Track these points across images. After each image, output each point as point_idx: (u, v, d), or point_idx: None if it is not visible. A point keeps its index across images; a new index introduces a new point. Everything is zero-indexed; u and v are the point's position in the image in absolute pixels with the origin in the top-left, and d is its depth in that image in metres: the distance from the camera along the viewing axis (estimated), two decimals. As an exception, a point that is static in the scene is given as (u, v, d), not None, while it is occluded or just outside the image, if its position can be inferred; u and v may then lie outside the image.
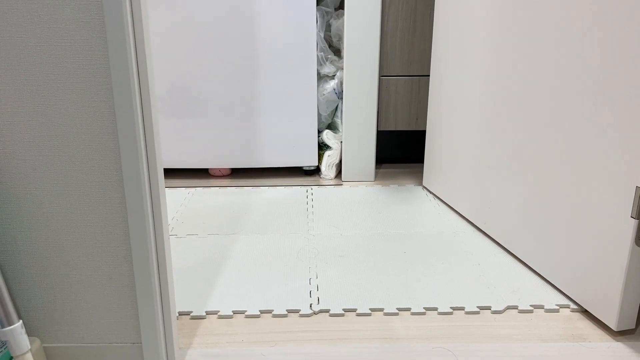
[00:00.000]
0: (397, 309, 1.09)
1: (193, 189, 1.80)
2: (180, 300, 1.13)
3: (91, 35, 0.74)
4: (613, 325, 1.00)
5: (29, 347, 0.80)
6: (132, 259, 0.84)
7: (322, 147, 1.91)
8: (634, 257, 0.95)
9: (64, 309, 0.87)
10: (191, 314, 1.08)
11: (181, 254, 1.34)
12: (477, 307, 1.10)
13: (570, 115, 1.07)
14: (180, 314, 1.08)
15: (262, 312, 1.09)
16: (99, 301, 0.86)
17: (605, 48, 0.97)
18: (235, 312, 1.09)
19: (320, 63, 1.82)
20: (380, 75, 1.80)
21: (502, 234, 1.37)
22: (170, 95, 1.79)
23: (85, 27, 0.74)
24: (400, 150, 2.07)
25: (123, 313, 0.87)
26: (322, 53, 1.83)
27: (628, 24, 0.92)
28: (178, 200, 1.70)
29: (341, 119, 1.84)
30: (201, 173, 1.93)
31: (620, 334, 1.01)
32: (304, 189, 1.80)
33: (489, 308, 1.10)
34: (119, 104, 0.77)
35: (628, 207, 0.94)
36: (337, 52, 1.89)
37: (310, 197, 1.73)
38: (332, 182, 1.86)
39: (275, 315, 1.08)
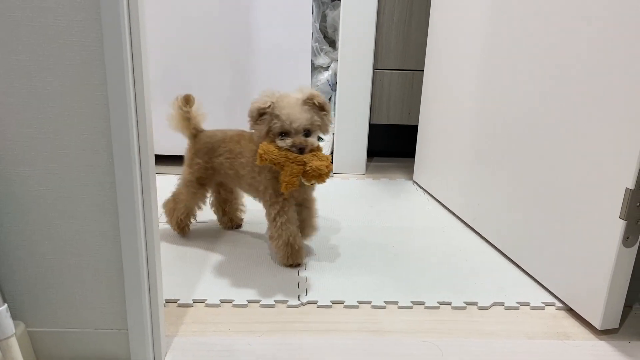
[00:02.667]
0: (384, 302, 1.10)
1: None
2: (167, 287, 1.12)
3: (86, 17, 0.73)
4: (597, 324, 1.01)
5: (14, 331, 0.79)
6: (120, 244, 0.83)
7: (314, 138, 1.90)
8: (621, 257, 0.96)
9: (49, 293, 0.86)
10: (178, 302, 1.08)
11: (170, 242, 1.33)
12: (464, 302, 1.11)
13: (561, 116, 1.07)
14: (167, 301, 1.07)
15: (249, 302, 1.08)
16: (86, 286, 0.85)
17: (597, 52, 0.97)
18: (222, 301, 1.08)
19: (314, 54, 1.81)
20: (375, 68, 1.79)
21: (490, 231, 1.37)
22: (164, 80, 1.77)
23: (79, 8, 0.72)
24: (392, 144, 2.07)
25: (110, 299, 0.86)
26: (317, 44, 1.83)
27: (620, 30, 0.92)
28: (168, 187, 1.69)
29: (334, 111, 1.84)
30: (191, 160, 1.92)
31: (604, 333, 1.02)
32: (294, 179, 1.79)
33: (475, 304, 1.10)
34: (112, 88, 0.76)
35: (617, 208, 0.95)
36: (332, 43, 1.88)
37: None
38: (322, 174, 1.86)
39: (262, 306, 1.08)
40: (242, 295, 1.10)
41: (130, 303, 0.85)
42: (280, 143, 1.08)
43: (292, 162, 1.07)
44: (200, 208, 1.34)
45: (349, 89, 1.78)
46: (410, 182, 1.82)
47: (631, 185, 0.92)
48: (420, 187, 1.77)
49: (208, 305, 1.07)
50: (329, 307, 1.08)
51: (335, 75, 1.81)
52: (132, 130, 0.78)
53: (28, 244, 0.83)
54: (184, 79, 1.77)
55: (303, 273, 1.20)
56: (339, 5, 1.76)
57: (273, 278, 1.17)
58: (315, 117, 1.10)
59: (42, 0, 0.72)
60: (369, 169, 1.94)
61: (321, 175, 1.07)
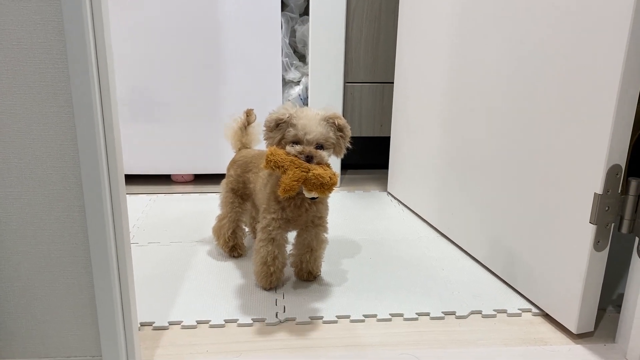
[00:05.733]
0: (363, 315, 1.09)
1: (155, 196, 1.76)
2: (142, 310, 1.09)
3: (49, 37, 0.71)
4: (573, 328, 1.03)
5: (-19, 363, 0.76)
6: (91, 269, 0.81)
7: (287, 153, 1.90)
8: (593, 261, 0.98)
9: (19, 322, 0.83)
10: (153, 325, 1.05)
11: (143, 263, 1.30)
12: (442, 312, 1.11)
13: (531, 124, 1.09)
14: (142, 324, 1.05)
15: (226, 321, 1.07)
16: (57, 313, 0.83)
17: (566, 61, 0.99)
18: (199, 322, 1.06)
19: (285, 69, 1.82)
20: (345, 82, 1.80)
21: (465, 240, 1.39)
22: (132, 99, 1.75)
23: (43, 29, 0.71)
24: (365, 156, 2.08)
25: (82, 325, 0.84)
26: (287, 59, 1.83)
27: (590, 40, 0.94)
28: (139, 207, 1.66)
29: (306, 125, 1.84)
30: (163, 179, 1.90)
31: (579, 337, 1.03)
32: (268, 195, 1.78)
33: (453, 313, 1.11)
34: (79, 110, 0.74)
35: (587, 214, 0.97)
36: (302, 57, 1.89)
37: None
38: (297, 188, 1.85)
39: (240, 325, 1.06)
40: (219, 315, 1.09)
41: (104, 329, 0.83)
42: (289, 149, 1.05)
43: (297, 167, 1.02)
44: (245, 223, 1.35)
45: (321, 103, 1.79)
46: (385, 193, 1.83)
47: (599, 190, 0.94)
48: (394, 198, 1.77)
49: (184, 327, 1.05)
50: (308, 323, 1.07)
51: (306, 89, 1.82)
52: (100, 150, 0.76)
53: (-6, 272, 0.80)
54: (152, 96, 1.75)
55: (280, 290, 1.19)
56: (307, 21, 1.77)
57: (250, 296, 1.16)
58: (331, 135, 1.07)
59: (4, 23, 0.70)
60: (343, 182, 1.94)
61: (323, 185, 1.01)
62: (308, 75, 1.78)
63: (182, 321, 1.06)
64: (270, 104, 1.77)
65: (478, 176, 1.30)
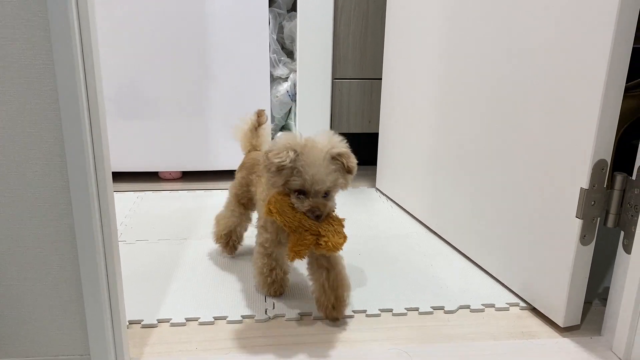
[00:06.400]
0: (352, 311, 1.10)
1: (142, 193, 1.75)
2: (130, 308, 1.08)
3: (35, 34, 0.70)
4: (560, 321, 1.04)
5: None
6: (79, 267, 0.80)
7: (276, 149, 1.90)
8: (579, 255, 0.99)
9: (5, 322, 0.82)
10: (142, 323, 1.05)
11: (131, 261, 1.29)
12: (431, 307, 1.12)
13: (517, 119, 1.10)
14: (131, 322, 1.04)
15: (216, 318, 1.06)
16: (44, 312, 0.82)
17: (554, 58, 1.00)
18: (188, 320, 1.06)
19: (273, 65, 1.81)
20: (334, 78, 1.80)
21: (453, 236, 1.39)
22: (119, 96, 1.73)
23: (28, 25, 0.70)
24: (354, 152, 2.07)
25: (70, 324, 0.83)
26: (274, 55, 1.83)
27: (576, 36, 0.95)
28: (127, 204, 1.65)
29: (295, 122, 1.84)
30: (151, 176, 1.89)
31: (566, 330, 1.04)
32: (257, 192, 1.78)
33: (442, 308, 1.11)
34: (65, 106, 0.73)
35: (573, 208, 0.98)
36: (290, 54, 1.89)
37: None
38: (285, 185, 1.85)
39: (229, 322, 1.06)
40: (208, 312, 1.08)
41: (92, 327, 0.83)
42: (296, 203, 0.94)
43: (306, 230, 0.93)
44: (244, 229, 1.30)
45: (309, 100, 1.79)
46: (373, 189, 1.83)
47: (585, 185, 0.95)
48: (383, 194, 1.78)
49: (173, 325, 1.05)
50: (298, 319, 1.07)
51: (294, 86, 1.82)
52: (87, 147, 0.76)
53: (-20, 271, 0.79)
54: (139, 93, 1.74)
55: (269, 286, 1.19)
56: (295, 17, 1.77)
57: (239, 293, 1.16)
58: (340, 180, 0.96)
59: (-13, 18, 0.69)
60: (332, 178, 1.94)
61: (336, 250, 0.94)
62: (296, 71, 1.78)
63: (171, 319, 1.06)
64: (258, 100, 1.77)
65: (467, 172, 1.31)
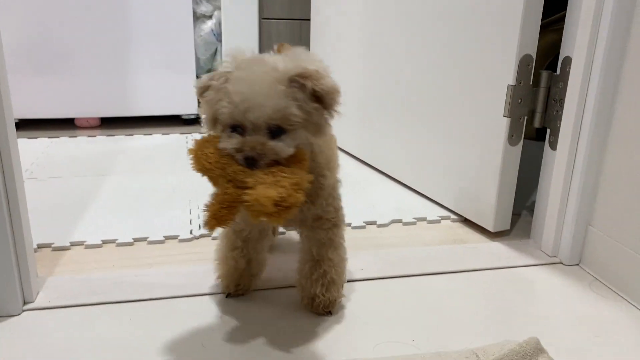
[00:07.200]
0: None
1: (57, 139, 1.63)
2: (39, 234, 0.99)
3: None
4: (490, 226, 1.04)
5: None
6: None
7: (202, 94, 1.81)
8: (507, 156, 0.99)
9: None
10: (53, 246, 0.96)
11: (43, 195, 1.19)
12: (363, 222, 1.09)
13: (445, 24, 1.09)
14: (40, 246, 0.95)
15: (135, 239, 0.99)
16: None
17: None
18: (104, 242, 0.98)
19: (195, 1, 1.72)
20: (261, 18, 1.74)
21: (387, 165, 1.38)
22: (30, 48, 1.59)
23: None
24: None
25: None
26: (197, -9, 1.74)
27: None
28: (39, 148, 1.53)
29: (221, 62, 1.76)
30: (67, 124, 1.76)
31: (496, 235, 1.04)
32: (183, 136, 1.70)
33: (374, 223, 1.09)
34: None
35: (500, 108, 0.97)
36: (214, -9, 1.80)
37: (190, 144, 1.63)
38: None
39: (150, 242, 0.99)
40: (127, 234, 1.00)
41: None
42: (223, 142, 0.64)
43: (229, 181, 0.62)
44: None
45: (236, 40, 1.72)
46: (305, 132, 1.79)
47: (512, 81, 0.94)
48: (314, 135, 1.74)
49: (88, 247, 0.96)
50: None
51: (219, 24, 1.74)
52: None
53: None
54: (53, 42, 1.60)
55: (195, 211, 1.12)
56: (218, -49, 1.69)
57: (161, 218, 1.08)
58: (294, 110, 0.62)
59: None
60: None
61: (267, 213, 0.59)
62: (221, 9, 1.70)
63: (85, 241, 0.97)
64: (180, 40, 1.68)
65: (399, 100, 1.29)
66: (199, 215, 1.10)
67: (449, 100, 1.11)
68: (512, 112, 0.96)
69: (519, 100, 0.96)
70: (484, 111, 1.01)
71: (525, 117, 0.98)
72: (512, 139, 0.98)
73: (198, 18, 1.75)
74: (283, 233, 1.02)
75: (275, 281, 0.86)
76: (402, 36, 1.23)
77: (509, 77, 0.95)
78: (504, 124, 0.97)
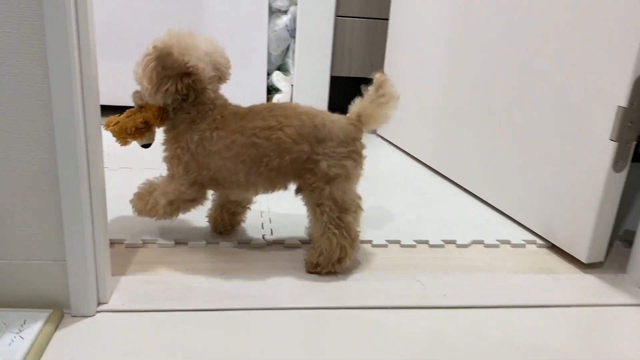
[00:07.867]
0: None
1: (128, 128, 1.63)
2: (114, 229, 0.98)
3: None
4: (583, 257, 0.95)
5: None
6: (56, 155, 0.70)
7: (271, 90, 1.78)
8: (610, 183, 0.90)
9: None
10: (125, 243, 0.94)
11: (113, 186, 1.18)
12: (442, 240, 1.03)
13: (545, 36, 1.01)
14: (113, 242, 0.94)
15: (208, 243, 0.97)
16: (13, 208, 0.71)
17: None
18: (177, 242, 0.96)
19: (272, -5, 1.69)
20: (337, 15, 1.69)
21: (462, 175, 1.30)
22: (105, 36, 1.60)
23: None
24: (353, 98, 1.97)
25: (43, 223, 0.72)
26: (274, -15, 1.70)
27: None
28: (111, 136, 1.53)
29: (293, 60, 1.72)
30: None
31: (589, 267, 0.96)
32: (251, 132, 1.67)
33: (454, 242, 1.03)
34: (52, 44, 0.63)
35: (607, 130, 0.89)
36: (291, -14, 1.76)
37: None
38: (281, 128, 1.75)
39: (223, 246, 0.96)
40: (198, 236, 0.98)
41: (68, 227, 0.72)
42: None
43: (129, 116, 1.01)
44: None
45: (310, 37, 1.67)
46: (374, 135, 1.73)
47: (624, 103, 0.86)
48: (384, 139, 1.68)
49: (161, 246, 0.95)
50: (297, 246, 0.98)
51: (294, 20, 1.70)
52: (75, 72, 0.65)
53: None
54: (129, 32, 1.61)
55: (266, 215, 1.09)
56: (298, -55, 1.64)
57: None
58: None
59: None
60: (330, 125, 1.83)
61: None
62: (297, 4, 1.65)
63: (157, 239, 0.96)
64: (254, 36, 1.65)
65: (483, 103, 1.21)
66: (270, 219, 1.07)
67: (544, 112, 1.03)
68: (620, 135, 0.88)
69: (629, 123, 0.87)
70: (587, 131, 0.93)
71: (634, 143, 0.89)
72: (617, 165, 0.90)
73: (273, 12, 1.71)
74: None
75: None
76: (491, 39, 1.16)
77: (621, 98, 0.86)
78: (609, 148, 0.89)
